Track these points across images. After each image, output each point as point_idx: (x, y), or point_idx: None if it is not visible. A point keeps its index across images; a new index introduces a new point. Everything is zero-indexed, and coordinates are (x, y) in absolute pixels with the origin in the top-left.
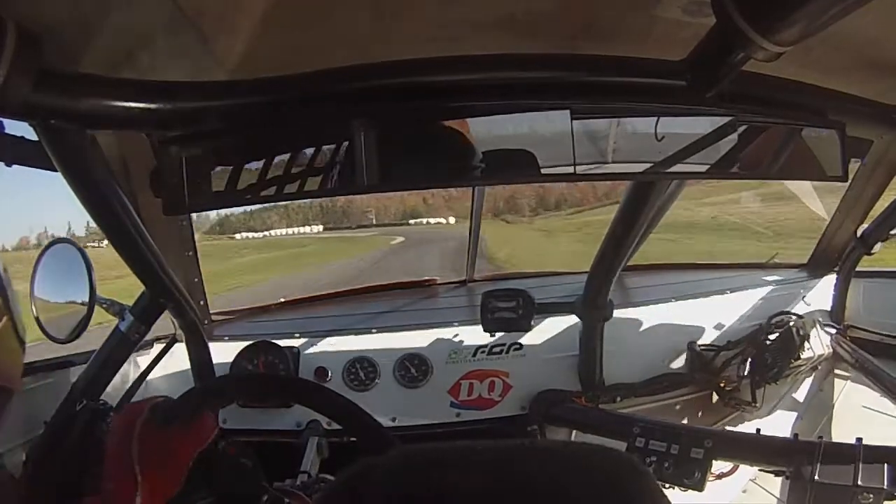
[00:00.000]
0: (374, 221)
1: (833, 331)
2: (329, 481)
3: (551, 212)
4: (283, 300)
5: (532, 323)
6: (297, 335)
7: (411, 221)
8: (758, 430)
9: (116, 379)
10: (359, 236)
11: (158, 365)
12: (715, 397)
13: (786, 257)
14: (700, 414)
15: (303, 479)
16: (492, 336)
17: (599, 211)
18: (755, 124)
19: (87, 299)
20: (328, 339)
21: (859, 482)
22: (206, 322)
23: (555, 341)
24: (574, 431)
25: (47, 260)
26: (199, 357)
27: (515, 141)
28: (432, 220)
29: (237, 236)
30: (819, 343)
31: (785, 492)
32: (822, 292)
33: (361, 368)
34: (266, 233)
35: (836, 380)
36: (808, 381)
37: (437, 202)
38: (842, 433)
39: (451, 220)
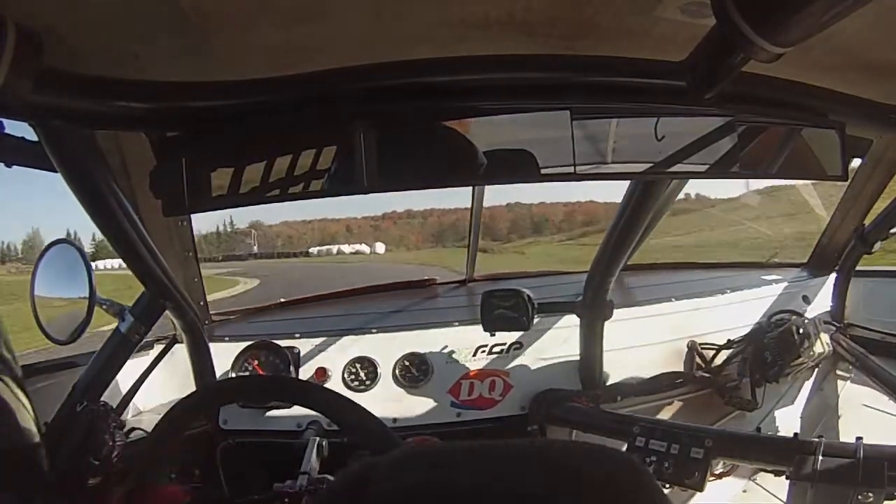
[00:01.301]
0: (255, 251)
1: (833, 329)
2: (329, 481)
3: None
4: (282, 300)
5: (532, 323)
6: (298, 335)
7: (313, 251)
8: (758, 430)
9: (117, 380)
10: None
11: (158, 366)
12: (715, 397)
13: (786, 256)
14: (700, 413)
15: (303, 479)
16: (492, 336)
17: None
18: (755, 124)
19: (87, 300)
20: (328, 339)
21: (859, 481)
22: (206, 322)
23: (555, 341)
24: (574, 431)
25: (47, 260)
26: (200, 357)
27: (515, 141)
28: (347, 249)
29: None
30: (819, 342)
31: (785, 491)
32: (822, 291)
33: (362, 368)
34: None
35: (837, 379)
36: (809, 380)
37: (364, 230)
38: (842, 432)
39: (379, 248)
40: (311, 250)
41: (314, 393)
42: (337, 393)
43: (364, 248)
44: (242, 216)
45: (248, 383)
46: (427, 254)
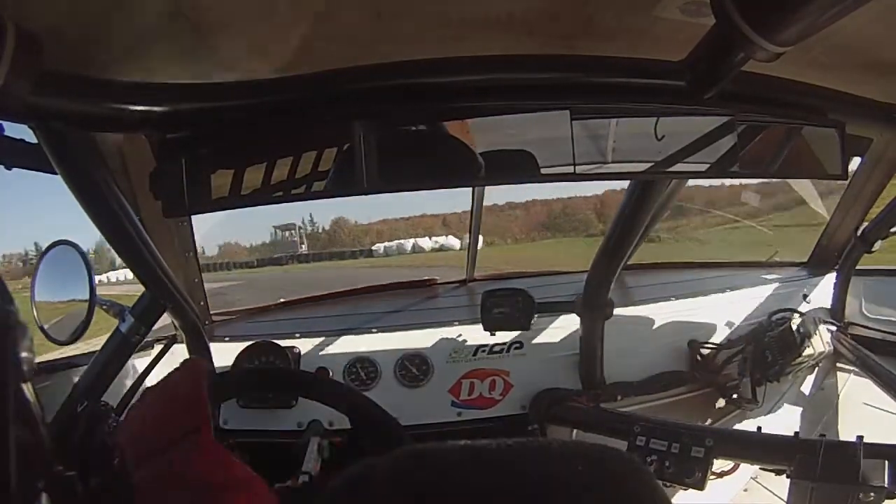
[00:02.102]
0: (303, 250)
1: (834, 328)
2: (331, 482)
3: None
4: (283, 300)
5: (532, 322)
6: (298, 335)
7: (379, 248)
8: (759, 429)
9: (117, 380)
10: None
11: (158, 365)
12: (716, 396)
13: (786, 255)
14: (701, 412)
15: (303, 479)
16: (492, 335)
17: None
18: (755, 124)
19: (87, 301)
20: (329, 339)
21: (860, 480)
22: (206, 322)
23: (555, 340)
24: (575, 431)
25: (48, 261)
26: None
27: (515, 141)
28: (428, 244)
29: None
30: (820, 341)
31: (786, 490)
32: (822, 290)
33: (362, 368)
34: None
35: (838, 377)
36: (809, 379)
37: (465, 224)
38: (843, 431)
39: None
40: (375, 248)
41: (314, 384)
42: (339, 382)
43: (452, 241)
44: (325, 213)
45: (247, 376)
46: (538, 247)
